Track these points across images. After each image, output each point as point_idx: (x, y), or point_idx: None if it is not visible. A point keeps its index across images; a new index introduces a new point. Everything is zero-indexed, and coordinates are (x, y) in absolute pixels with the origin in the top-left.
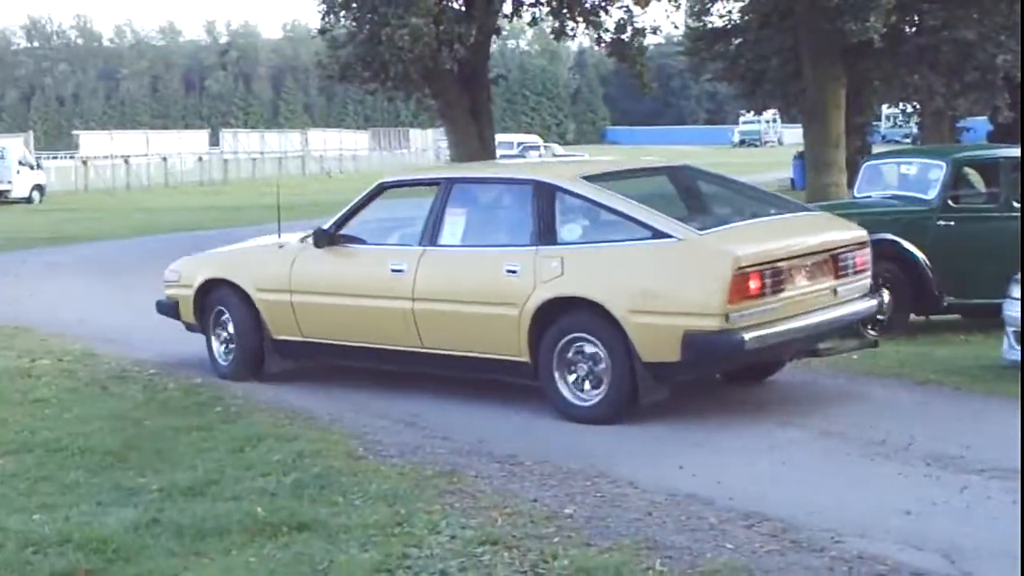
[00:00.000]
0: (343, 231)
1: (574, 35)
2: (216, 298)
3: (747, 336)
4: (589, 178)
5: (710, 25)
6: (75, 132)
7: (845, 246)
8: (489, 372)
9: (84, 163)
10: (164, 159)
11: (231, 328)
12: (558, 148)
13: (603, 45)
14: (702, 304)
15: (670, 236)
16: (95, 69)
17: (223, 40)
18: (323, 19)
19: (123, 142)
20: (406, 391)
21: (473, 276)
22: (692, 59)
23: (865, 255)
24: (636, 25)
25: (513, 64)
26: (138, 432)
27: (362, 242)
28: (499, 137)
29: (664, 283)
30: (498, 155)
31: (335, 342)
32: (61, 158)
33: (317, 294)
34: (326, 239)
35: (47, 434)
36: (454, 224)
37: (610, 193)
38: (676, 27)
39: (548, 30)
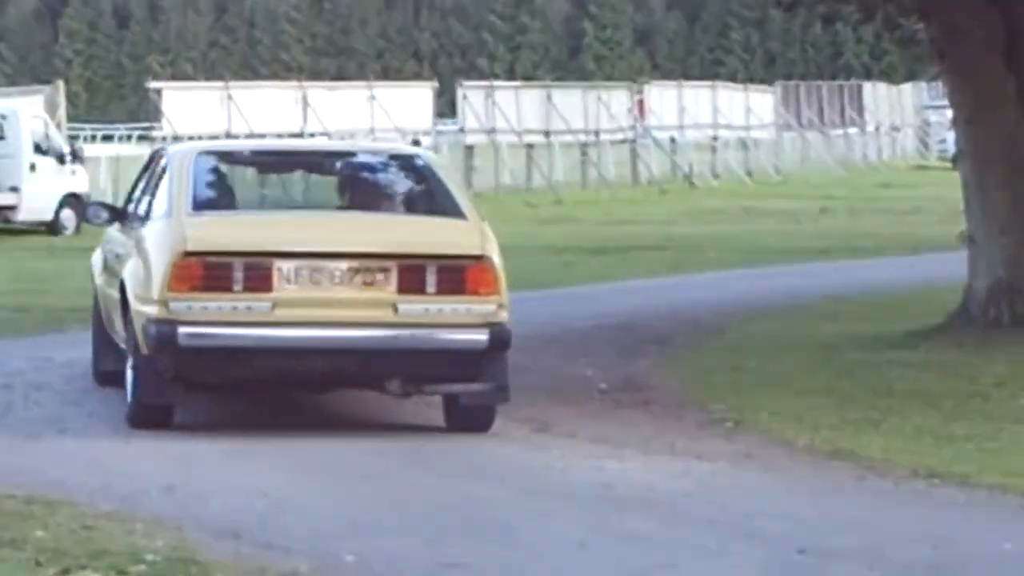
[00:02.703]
0: (130, 206)
1: None
2: None
3: (182, 331)
4: (208, 153)
5: None
6: (152, 85)
7: (423, 256)
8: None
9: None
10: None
11: None
12: None
13: None
14: (151, 289)
15: (170, 216)
16: None
17: None
18: None
19: (248, 104)
20: None
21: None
22: None
23: (481, 273)
24: None
25: None
26: None
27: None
28: None
29: (146, 265)
30: None
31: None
32: (122, 138)
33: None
34: (111, 216)
35: None
36: (156, 197)
37: (187, 170)
38: None
39: None
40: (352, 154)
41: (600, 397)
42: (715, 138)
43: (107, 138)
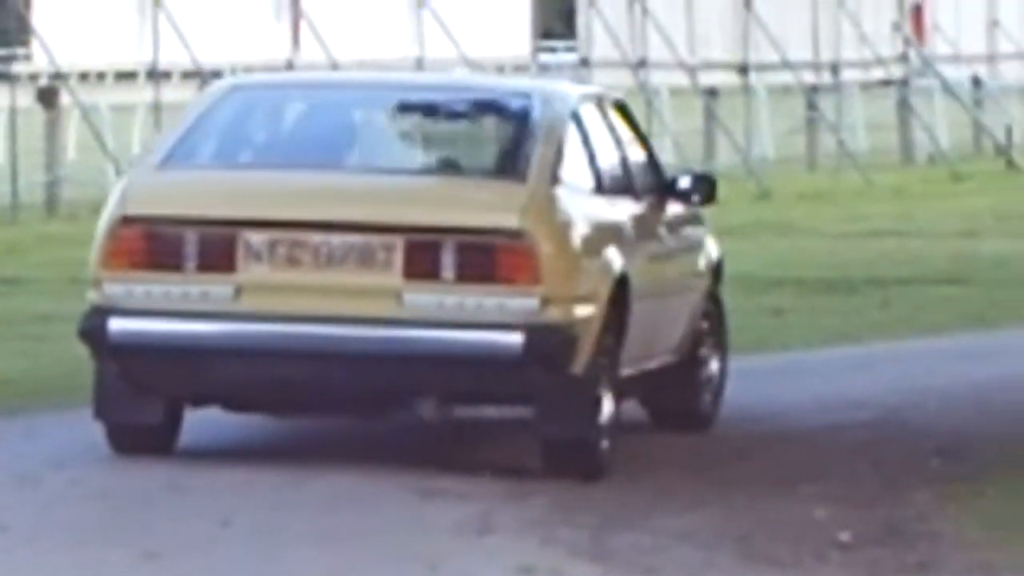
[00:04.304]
0: None
1: None
2: None
3: (113, 323)
4: (246, 89)
5: None
6: None
7: (437, 229)
8: None
9: (46, 98)
10: None
11: None
12: None
13: None
14: (91, 265)
15: (132, 169)
16: None
17: None
18: None
19: (185, 15)
20: None
21: None
22: None
23: (518, 255)
24: None
25: None
26: None
27: None
28: None
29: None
30: None
31: None
32: None
33: None
34: None
35: None
36: None
37: (197, 110)
38: None
39: None
40: (441, 91)
41: (840, 556)
42: None
43: None
